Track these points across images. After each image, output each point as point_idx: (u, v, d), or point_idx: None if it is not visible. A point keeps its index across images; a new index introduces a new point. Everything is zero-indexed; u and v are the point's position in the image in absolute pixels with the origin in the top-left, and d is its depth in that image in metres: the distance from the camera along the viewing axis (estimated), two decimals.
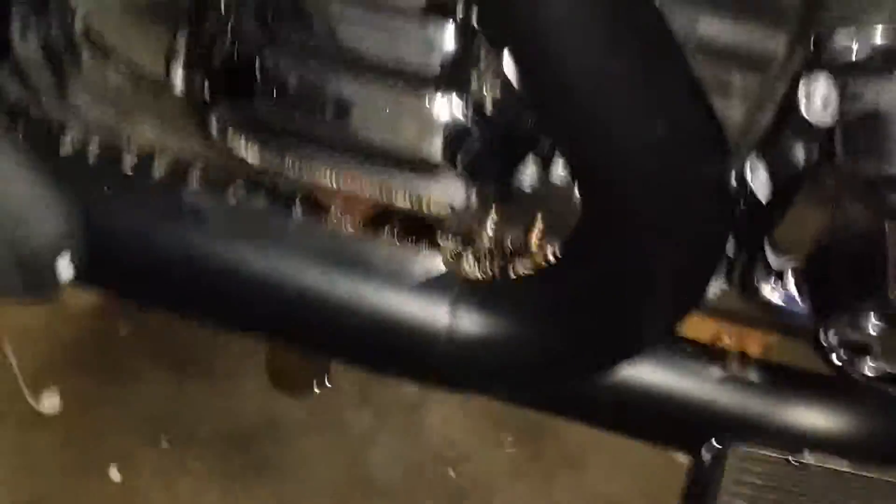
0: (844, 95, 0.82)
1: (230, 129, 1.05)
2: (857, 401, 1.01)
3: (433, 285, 1.05)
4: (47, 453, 1.65)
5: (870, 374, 0.95)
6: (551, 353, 1.05)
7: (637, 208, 0.93)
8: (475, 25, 0.95)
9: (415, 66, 0.97)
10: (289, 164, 1.05)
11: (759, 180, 0.91)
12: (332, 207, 1.09)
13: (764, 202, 0.92)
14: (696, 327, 1.07)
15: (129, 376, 1.72)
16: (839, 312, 0.91)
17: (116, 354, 1.74)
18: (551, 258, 1.06)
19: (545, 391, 1.08)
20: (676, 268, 0.95)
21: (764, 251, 0.95)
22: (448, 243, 1.08)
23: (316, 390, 1.72)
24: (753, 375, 1.05)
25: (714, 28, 0.90)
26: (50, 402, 1.69)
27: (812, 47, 0.83)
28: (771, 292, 0.98)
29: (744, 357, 1.06)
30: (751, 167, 0.91)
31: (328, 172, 1.05)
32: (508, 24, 0.85)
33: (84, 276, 0.98)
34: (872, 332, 0.92)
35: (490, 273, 1.07)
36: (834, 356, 0.93)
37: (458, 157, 1.01)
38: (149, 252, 1.04)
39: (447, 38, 0.96)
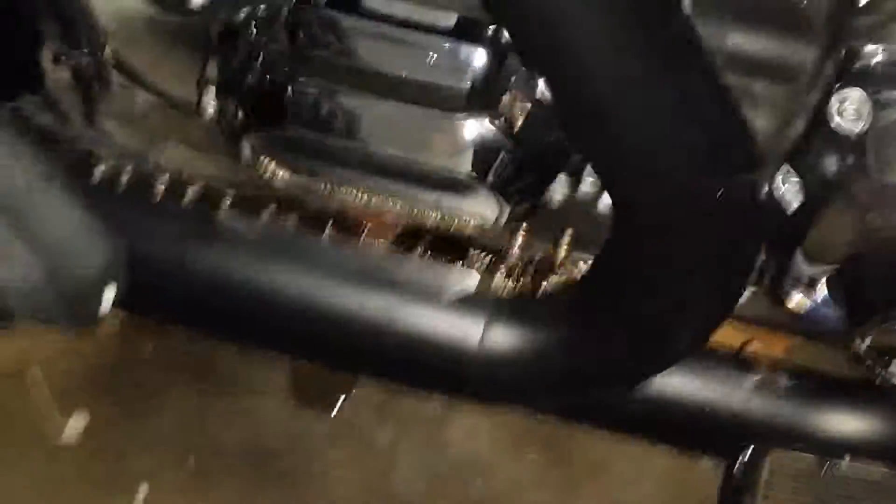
0: (876, 106, 0.84)
1: (261, 154, 1.06)
2: (890, 405, 1.02)
3: (465, 302, 1.07)
4: (74, 474, 1.66)
5: None
6: (583, 366, 1.06)
7: (668, 222, 0.94)
8: (505, 45, 0.96)
9: (445, 86, 0.98)
10: (320, 187, 1.07)
11: (790, 190, 0.92)
12: (364, 228, 1.10)
13: (795, 212, 0.93)
14: (723, 332, 1.09)
15: (153, 396, 1.73)
16: (874, 319, 0.92)
17: (140, 375, 1.75)
18: (581, 272, 1.08)
19: (577, 403, 1.09)
20: (708, 280, 0.96)
21: (795, 259, 0.97)
22: (479, 260, 1.10)
23: (339, 404, 1.73)
24: (784, 381, 1.06)
25: (744, 41, 0.91)
26: (76, 424, 1.70)
27: (843, 59, 0.85)
28: (801, 300, 0.99)
29: (774, 363, 1.07)
30: (782, 178, 0.92)
31: (359, 193, 1.06)
32: (539, 45, 0.86)
33: (122, 302, 0.99)
34: None
35: (521, 288, 1.09)
36: (869, 362, 0.95)
37: (489, 175, 1.02)
38: (184, 277, 1.05)
39: (477, 58, 0.97)
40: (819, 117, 0.88)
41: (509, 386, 1.07)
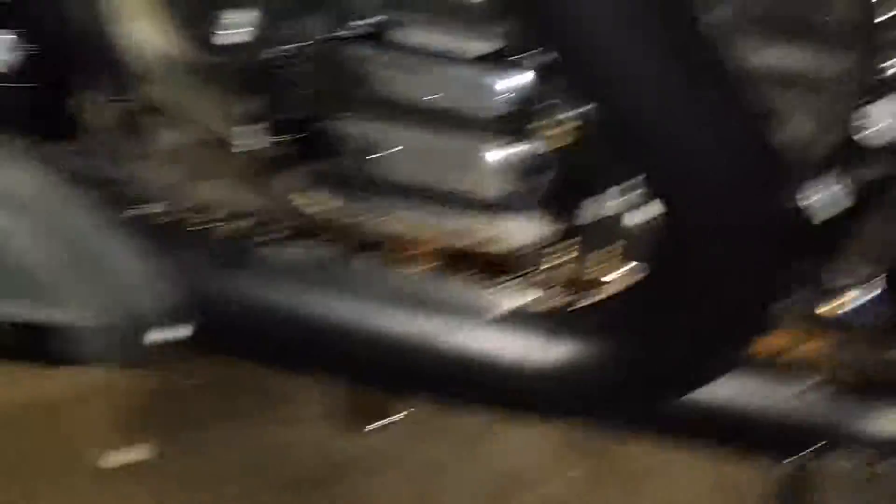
0: None
1: (299, 187, 1.08)
2: None
3: (511, 319, 1.08)
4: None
5: None
6: (632, 378, 1.07)
7: (712, 234, 0.95)
8: (539, 68, 0.98)
9: (480, 113, 1.00)
10: (359, 215, 1.08)
11: (829, 198, 0.93)
12: (405, 253, 1.11)
13: (834, 219, 0.94)
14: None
15: (197, 428, 1.74)
16: None
17: (183, 408, 1.76)
18: (625, 285, 1.09)
19: (627, 415, 1.11)
20: (755, 288, 0.97)
21: (842, 262, 0.98)
22: (521, 278, 1.11)
23: (383, 426, 1.74)
24: (832, 383, 1.07)
25: (775, 53, 0.92)
26: (113, 461, 1.72)
27: (877, 68, 0.86)
28: (847, 301, 1.00)
29: (821, 365, 1.08)
30: (820, 186, 0.93)
31: (399, 219, 1.08)
32: (583, 69, 0.88)
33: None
34: None
35: (564, 304, 1.10)
36: None
37: (528, 196, 1.04)
38: (233, 309, 1.07)
39: (511, 84, 0.99)
40: (855, 126, 0.89)
41: (560, 400, 1.08)
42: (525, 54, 0.99)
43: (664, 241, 0.98)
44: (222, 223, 1.13)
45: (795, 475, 1.06)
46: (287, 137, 1.06)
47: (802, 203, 0.94)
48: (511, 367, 1.07)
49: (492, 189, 1.03)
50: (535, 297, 1.09)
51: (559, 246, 1.08)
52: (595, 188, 1.04)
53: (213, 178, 1.17)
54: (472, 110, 1.00)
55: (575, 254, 1.09)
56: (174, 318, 0.98)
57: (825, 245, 0.97)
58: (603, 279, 1.08)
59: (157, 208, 1.12)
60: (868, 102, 0.87)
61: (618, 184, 1.03)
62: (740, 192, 0.93)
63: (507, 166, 1.02)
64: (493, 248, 1.08)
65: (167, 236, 1.09)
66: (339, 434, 1.73)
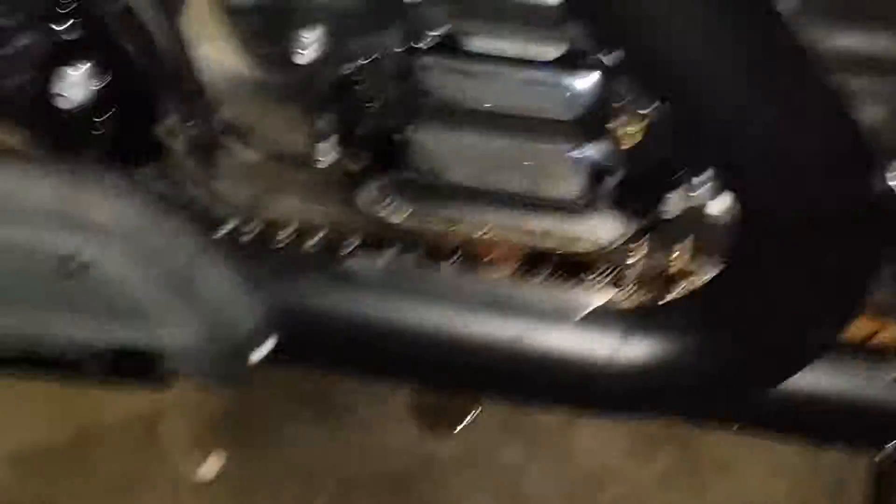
0: None
1: (379, 197, 1.09)
2: None
3: (594, 318, 1.08)
4: None
5: None
6: (718, 372, 1.07)
7: (794, 223, 0.95)
8: (611, 69, 0.98)
9: (555, 117, 1.01)
10: (439, 222, 1.10)
11: None
12: (485, 258, 1.13)
13: None
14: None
15: (278, 435, 1.77)
16: None
17: (263, 414, 1.79)
18: (706, 280, 1.09)
19: (715, 408, 1.11)
20: (839, 278, 0.97)
21: None
22: (602, 277, 1.12)
23: (463, 425, 1.76)
24: None
25: (851, 39, 0.92)
26: (207, 471, 1.75)
27: None
28: None
29: None
30: None
31: (478, 224, 1.09)
32: (658, 67, 0.88)
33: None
34: None
35: (646, 301, 1.10)
36: None
37: (605, 196, 1.04)
38: (323, 321, 1.08)
39: (584, 86, 1.00)
40: None
41: (647, 397, 1.08)
42: (594, 55, 0.99)
43: (746, 232, 0.98)
44: (303, 237, 1.15)
45: (887, 465, 1.06)
46: (364, 150, 1.08)
47: (884, 189, 0.94)
48: (597, 365, 1.08)
49: (569, 189, 1.03)
50: (617, 295, 1.09)
51: (639, 243, 1.09)
52: (672, 183, 1.04)
53: (292, 194, 1.19)
54: (547, 113, 1.01)
55: (655, 250, 1.10)
56: (265, 333, 0.99)
57: None
58: (685, 274, 1.09)
59: (240, 226, 1.13)
60: None
61: (695, 178, 1.03)
62: (827, 179, 0.92)
63: (583, 166, 1.02)
64: (574, 248, 1.08)
65: (252, 253, 1.11)
66: (421, 433, 1.75)
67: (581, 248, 1.08)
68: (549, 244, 1.09)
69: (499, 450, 1.75)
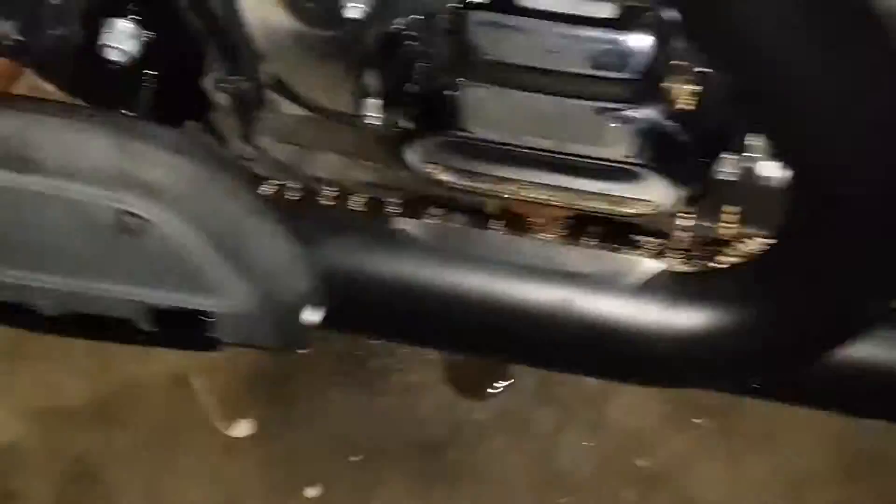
0: None
1: (425, 158, 1.07)
2: None
3: (643, 286, 1.07)
4: (242, 479, 1.71)
5: None
6: (771, 340, 1.05)
7: (850, 192, 0.93)
8: (667, 28, 0.96)
9: (609, 76, 0.98)
10: (488, 183, 1.08)
11: None
12: (535, 220, 1.11)
13: None
14: None
15: (312, 397, 1.76)
16: None
17: (298, 377, 1.78)
18: (754, 248, 1.07)
19: (766, 379, 1.09)
20: (892, 247, 0.95)
21: None
22: (652, 242, 1.10)
23: (498, 391, 1.75)
24: None
25: None
26: (241, 430, 1.75)
27: None
28: None
29: None
30: None
31: (528, 186, 1.07)
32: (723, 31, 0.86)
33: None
34: None
35: (695, 269, 1.08)
36: None
37: (657, 160, 1.02)
38: (370, 285, 1.07)
39: (640, 46, 0.97)
40: None
41: (697, 367, 1.07)
42: (650, 13, 0.97)
43: (801, 198, 0.96)
44: (349, 197, 1.13)
45: None
46: (412, 108, 1.06)
47: None
48: (645, 333, 1.06)
49: (621, 151, 1.01)
50: (667, 261, 1.07)
51: (691, 209, 1.07)
52: (726, 147, 1.02)
53: (337, 153, 1.17)
54: (600, 71, 0.99)
55: (707, 215, 1.08)
56: (314, 298, 0.98)
57: None
58: (737, 241, 1.07)
59: (285, 184, 1.12)
60: None
61: (751, 141, 1.01)
62: (877, 148, 0.90)
63: (636, 127, 1.00)
64: (624, 212, 1.06)
65: (298, 212, 1.09)
66: (455, 399, 1.74)
67: (632, 211, 1.06)
68: (599, 207, 1.07)
69: (533, 416, 1.74)
